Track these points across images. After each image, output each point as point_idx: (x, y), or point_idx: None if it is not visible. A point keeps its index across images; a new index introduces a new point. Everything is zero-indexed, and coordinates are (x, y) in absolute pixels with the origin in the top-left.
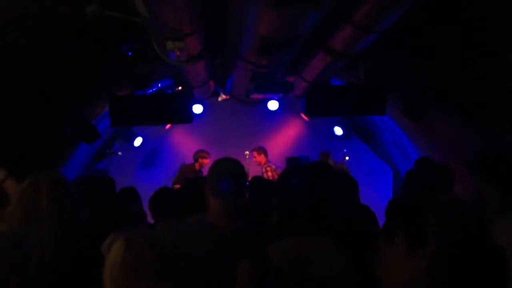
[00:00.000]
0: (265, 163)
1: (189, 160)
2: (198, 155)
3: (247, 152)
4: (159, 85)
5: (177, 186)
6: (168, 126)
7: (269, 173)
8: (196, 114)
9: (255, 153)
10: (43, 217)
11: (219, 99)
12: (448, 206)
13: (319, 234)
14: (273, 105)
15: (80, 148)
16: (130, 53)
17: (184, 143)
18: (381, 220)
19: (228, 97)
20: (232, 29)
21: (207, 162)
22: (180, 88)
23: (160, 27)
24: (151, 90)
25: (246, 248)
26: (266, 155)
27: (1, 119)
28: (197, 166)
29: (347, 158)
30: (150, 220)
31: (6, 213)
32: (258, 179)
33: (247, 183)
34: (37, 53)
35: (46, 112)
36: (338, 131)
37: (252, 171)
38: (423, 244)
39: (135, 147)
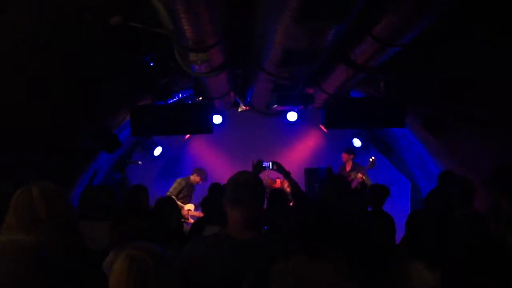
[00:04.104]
0: None
1: (208, 170)
2: (194, 170)
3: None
4: (180, 95)
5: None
6: (187, 136)
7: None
8: (215, 124)
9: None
10: (40, 221)
11: (239, 110)
12: (468, 219)
13: (328, 253)
14: (292, 116)
15: (101, 157)
16: (152, 64)
17: (203, 153)
18: (399, 231)
19: (248, 108)
20: (255, 41)
21: (199, 180)
22: (200, 98)
23: (183, 39)
24: (171, 100)
25: (262, 260)
26: None
27: (24, 128)
28: (191, 179)
29: (372, 158)
30: None
31: (4, 227)
32: (277, 191)
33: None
34: (60, 63)
35: (68, 121)
36: (357, 143)
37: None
38: (443, 256)
39: (155, 156)
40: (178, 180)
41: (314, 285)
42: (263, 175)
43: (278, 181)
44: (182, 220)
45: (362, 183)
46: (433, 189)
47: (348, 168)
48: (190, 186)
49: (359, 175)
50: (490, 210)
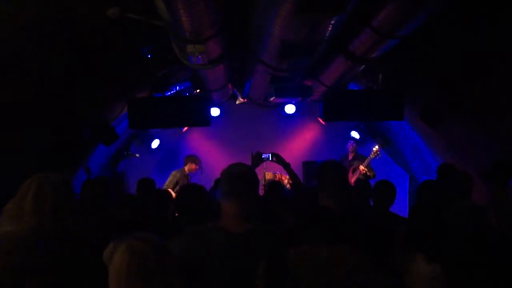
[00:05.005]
0: None
1: (206, 162)
2: (187, 159)
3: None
4: (178, 87)
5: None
6: (185, 128)
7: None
8: (213, 116)
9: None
10: (46, 211)
11: (237, 102)
12: (466, 212)
13: (340, 241)
14: (290, 109)
15: (98, 149)
16: (149, 56)
17: (200, 146)
18: None
19: (245, 100)
20: (253, 33)
21: (195, 167)
22: (198, 91)
23: (181, 30)
24: (169, 93)
25: (258, 252)
26: None
27: (22, 121)
28: (186, 169)
29: (376, 147)
30: None
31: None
32: (276, 183)
33: (266, 187)
34: (57, 55)
35: (65, 113)
36: (355, 135)
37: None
38: (442, 249)
39: (152, 149)
40: (173, 172)
41: (330, 271)
42: (261, 169)
43: (277, 175)
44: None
45: (365, 174)
46: (426, 181)
47: (350, 157)
48: (185, 177)
49: (361, 167)
50: (488, 203)
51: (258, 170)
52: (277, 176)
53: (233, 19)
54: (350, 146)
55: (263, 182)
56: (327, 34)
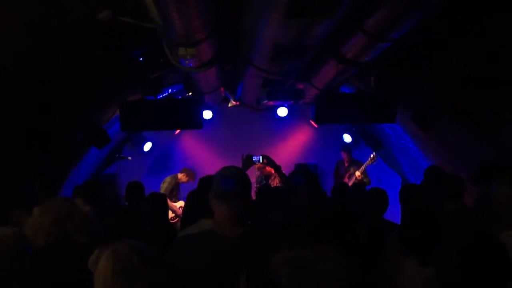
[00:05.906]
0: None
1: (198, 165)
2: (184, 169)
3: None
4: (170, 90)
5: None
6: (177, 131)
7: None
8: (205, 119)
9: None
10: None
11: (229, 105)
12: (458, 214)
13: (325, 246)
14: (282, 111)
15: (90, 152)
16: (141, 59)
17: (193, 148)
18: None
19: (238, 103)
20: (245, 36)
21: (186, 180)
22: (190, 93)
23: (172, 33)
24: (161, 96)
25: (251, 256)
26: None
27: (13, 123)
28: (178, 177)
29: (373, 154)
30: None
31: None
32: (267, 187)
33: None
34: (50, 58)
35: (57, 116)
36: (347, 138)
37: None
38: (434, 252)
39: (144, 152)
40: (167, 179)
41: (314, 276)
42: (253, 169)
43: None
44: (176, 218)
45: (361, 181)
46: (412, 184)
47: (346, 164)
48: (177, 185)
49: (357, 173)
50: (476, 205)
51: (249, 172)
52: (272, 170)
53: (225, 22)
54: (345, 156)
55: (255, 167)
56: (318, 38)
